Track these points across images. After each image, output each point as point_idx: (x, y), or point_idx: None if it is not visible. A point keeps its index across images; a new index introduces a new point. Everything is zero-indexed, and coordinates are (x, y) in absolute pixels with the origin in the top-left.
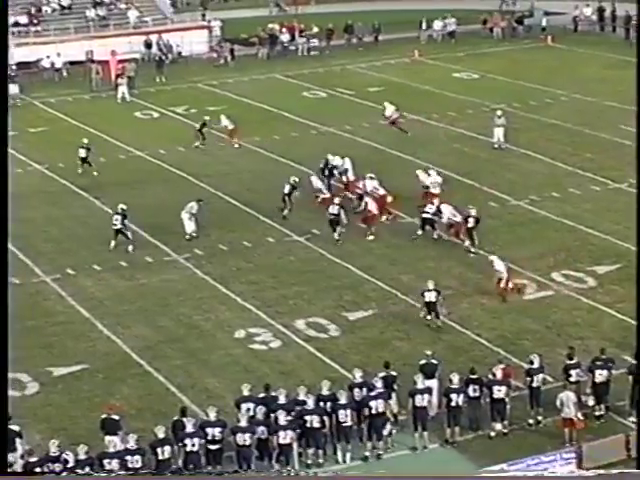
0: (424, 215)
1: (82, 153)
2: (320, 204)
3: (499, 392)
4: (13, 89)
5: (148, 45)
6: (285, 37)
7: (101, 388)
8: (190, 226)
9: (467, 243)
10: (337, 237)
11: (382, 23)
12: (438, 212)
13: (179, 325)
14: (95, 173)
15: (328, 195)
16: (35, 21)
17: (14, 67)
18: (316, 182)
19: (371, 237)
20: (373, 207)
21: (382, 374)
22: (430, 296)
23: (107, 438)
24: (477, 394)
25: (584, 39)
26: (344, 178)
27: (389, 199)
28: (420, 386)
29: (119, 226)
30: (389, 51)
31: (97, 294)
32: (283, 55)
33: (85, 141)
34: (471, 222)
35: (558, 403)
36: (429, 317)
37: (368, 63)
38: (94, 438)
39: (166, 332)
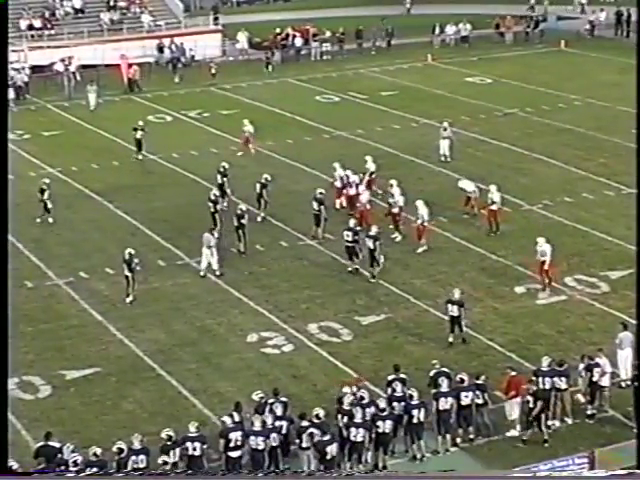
0: None
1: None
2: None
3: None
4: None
5: (161, 49)
6: (298, 41)
7: (113, 391)
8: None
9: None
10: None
11: (395, 27)
12: None
13: (192, 329)
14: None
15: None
16: (49, 25)
17: (28, 71)
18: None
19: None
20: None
21: (391, 377)
22: (453, 310)
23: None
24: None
25: (598, 44)
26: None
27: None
28: (445, 389)
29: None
30: (402, 55)
31: (110, 297)
32: (296, 59)
33: (140, 123)
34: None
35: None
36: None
37: (381, 67)
38: (106, 441)
39: (179, 336)
